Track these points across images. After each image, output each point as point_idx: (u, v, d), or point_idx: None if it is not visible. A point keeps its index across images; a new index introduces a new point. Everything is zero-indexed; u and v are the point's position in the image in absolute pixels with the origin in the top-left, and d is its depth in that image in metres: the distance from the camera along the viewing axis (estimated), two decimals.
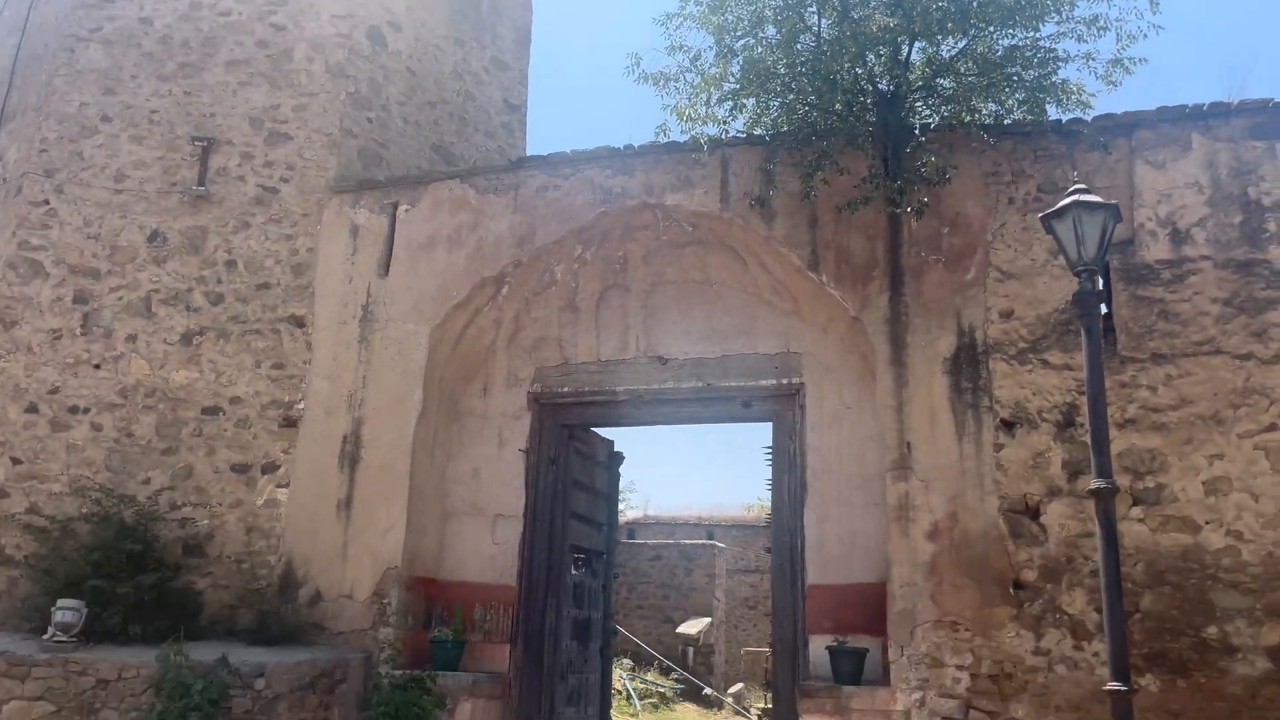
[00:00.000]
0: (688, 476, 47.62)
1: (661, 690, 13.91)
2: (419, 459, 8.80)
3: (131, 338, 9.49)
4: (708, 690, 14.70)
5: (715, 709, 14.15)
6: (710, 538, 18.63)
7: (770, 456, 8.94)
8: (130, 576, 8.22)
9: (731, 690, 15.01)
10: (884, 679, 7.40)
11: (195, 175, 9.80)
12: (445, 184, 9.35)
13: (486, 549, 9.02)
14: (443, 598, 8.89)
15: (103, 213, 9.78)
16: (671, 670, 15.18)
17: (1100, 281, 6.37)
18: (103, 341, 9.50)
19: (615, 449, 10.31)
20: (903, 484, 7.48)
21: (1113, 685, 5.09)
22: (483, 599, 8.84)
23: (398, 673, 7.65)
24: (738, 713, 14.06)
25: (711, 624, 16.12)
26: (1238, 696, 6.36)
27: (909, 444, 7.55)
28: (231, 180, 9.81)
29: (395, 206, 9.41)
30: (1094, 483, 5.38)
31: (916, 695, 7.01)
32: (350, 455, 8.85)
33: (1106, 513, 5.30)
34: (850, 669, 7.33)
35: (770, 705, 14.17)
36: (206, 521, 8.98)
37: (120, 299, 9.59)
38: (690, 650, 15.32)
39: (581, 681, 9.30)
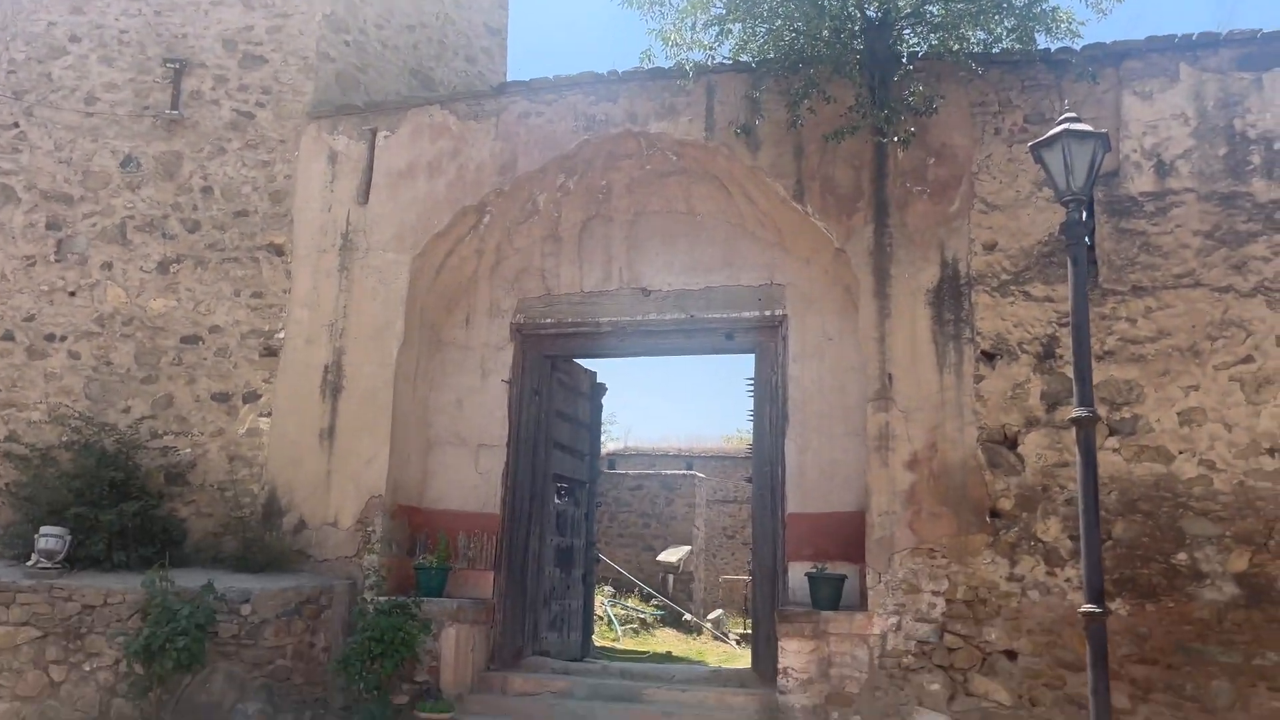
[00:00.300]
0: (668, 408, 47.91)
1: (642, 616, 14.19)
2: (401, 389, 8.80)
3: (107, 265, 9.37)
4: (688, 616, 14.98)
5: (695, 634, 14.45)
6: (690, 469, 18.85)
7: (752, 388, 9.00)
8: (113, 504, 8.23)
9: (710, 616, 15.31)
10: (861, 604, 7.56)
11: (168, 99, 9.57)
12: (425, 110, 9.18)
13: (470, 478, 9.07)
14: (427, 526, 8.97)
15: (74, 136, 9.57)
16: (652, 597, 15.46)
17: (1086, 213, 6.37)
18: (78, 269, 9.38)
19: (598, 380, 10.33)
20: (883, 414, 7.55)
21: (1087, 608, 5.22)
22: (467, 527, 8.92)
23: (383, 599, 7.74)
24: (716, 638, 14.37)
25: (691, 552, 16.38)
26: (1204, 621, 6.54)
27: (890, 375, 7.60)
28: (205, 104, 9.60)
29: (374, 133, 9.24)
30: (1075, 411, 5.44)
31: (893, 619, 7.17)
32: (332, 385, 8.83)
33: (1087, 441, 5.37)
34: (828, 595, 7.48)
35: (749, 630, 14.51)
36: (189, 450, 8.97)
37: (94, 225, 9.44)
38: (670, 578, 15.60)
39: (564, 607, 9.45)
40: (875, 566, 7.30)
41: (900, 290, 7.72)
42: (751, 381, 9.04)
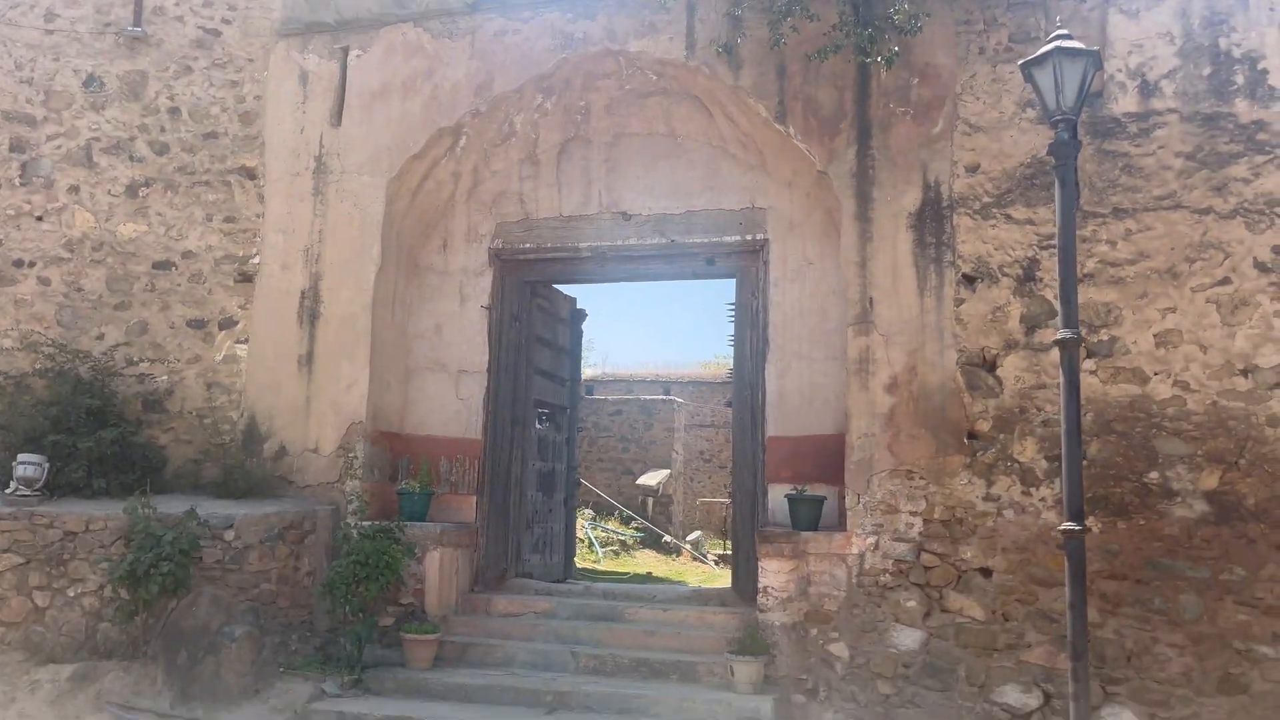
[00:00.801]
0: (646, 334, 47.97)
1: (622, 539, 14.39)
2: (380, 315, 8.72)
3: (74, 189, 9.15)
4: (667, 538, 15.20)
5: (674, 556, 14.69)
6: (667, 394, 18.94)
7: (733, 313, 9.00)
8: (90, 431, 8.18)
9: (689, 538, 15.55)
10: (840, 525, 7.68)
11: (130, 15, 9.26)
12: (398, 28, 8.93)
13: (451, 404, 9.07)
14: (408, 452, 8.98)
15: (34, 55, 9.27)
16: (632, 520, 15.66)
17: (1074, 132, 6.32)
18: (44, 192, 9.16)
19: (577, 306, 10.28)
20: (864, 338, 7.58)
21: (1067, 525, 5.33)
22: (448, 452, 8.94)
23: (366, 523, 7.78)
24: (696, 558, 14.61)
25: (670, 476, 16.56)
26: (1174, 537, 6.70)
27: (871, 299, 7.60)
28: (169, 20, 9.29)
29: (346, 52, 9.00)
30: (1059, 333, 5.49)
31: (871, 539, 7.29)
32: (310, 310, 8.73)
33: (1070, 362, 5.42)
34: (808, 516, 7.59)
35: (728, 551, 14.72)
36: (165, 377, 8.89)
37: (59, 148, 9.20)
38: (650, 501, 15.79)
39: (546, 530, 9.55)
40: (854, 488, 7.40)
41: (882, 213, 7.68)
42: (732, 307, 9.03)
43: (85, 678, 7.05)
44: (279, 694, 7.18)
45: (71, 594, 7.51)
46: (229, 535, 7.66)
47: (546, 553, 9.53)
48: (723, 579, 11.39)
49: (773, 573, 7.44)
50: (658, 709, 6.82)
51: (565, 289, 10.04)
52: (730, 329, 9.05)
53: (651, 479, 16.02)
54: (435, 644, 7.61)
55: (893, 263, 7.62)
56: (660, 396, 17.96)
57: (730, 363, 9.58)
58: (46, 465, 7.96)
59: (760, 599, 7.44)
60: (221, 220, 9.08)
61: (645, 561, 13.63)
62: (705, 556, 14.69)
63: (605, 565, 12.81)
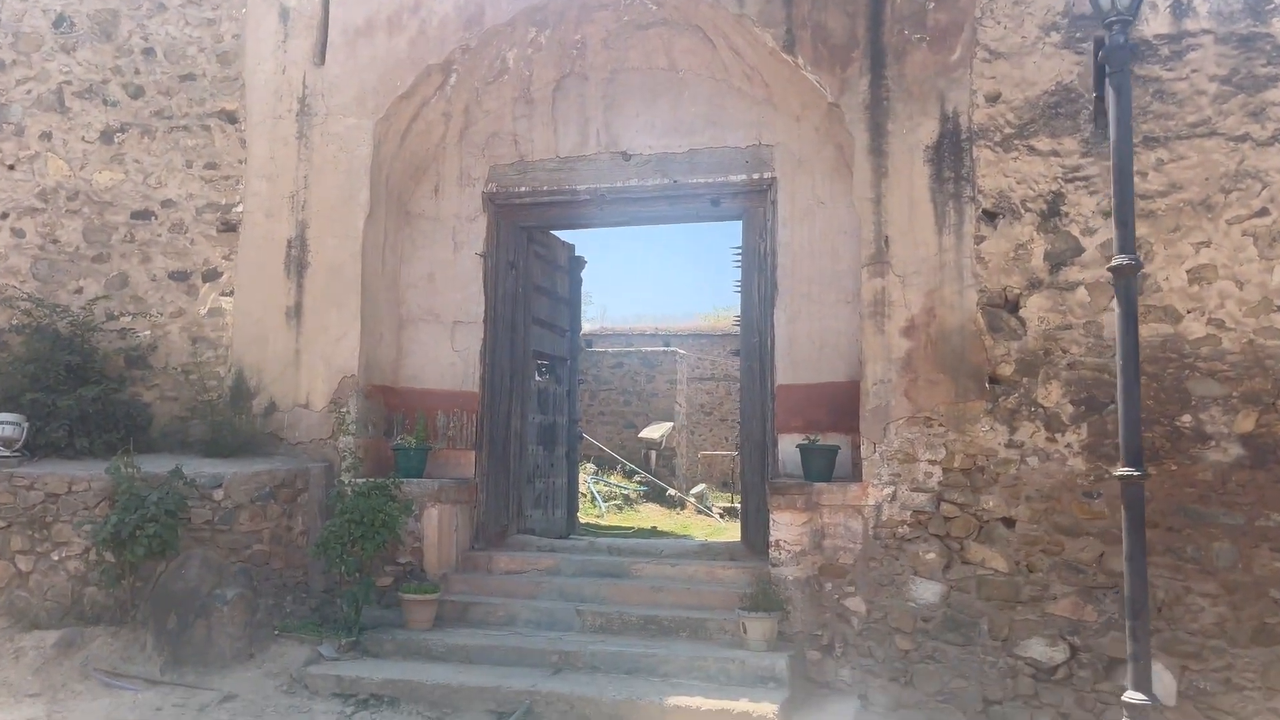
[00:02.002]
0: (643, 287, 47.48)
1: (625, 493, 14.12)
2: (370, 264, 8.33)
3: (46, 135, 8.73)
4: (671, 491, 14.93)
5: (678, 509, 14.42)
6: (667, 347, 18.57)
7: (740, 257, 8.62)
8: (71, 389, 7.84)
9: (693, 491, 15.28)
10: (854, 476, 7.39)
11: None
12: None
13: (446, 356, 8.71)
14: (403, 406, 8.65)
15: None
16: (635, 474, 15.38)
17: (1099, 57, 5.92)
18: (15, 140, 8.74)
19: (576, 253, 9.89)
20: (879, 279, 7.20)
21: (1124, 470, 5.02)
22: (445, 406, 8.61)
23: (361, 480, 7.46)
24: (700, 512, 14.36)
25: (673, 428, 16.25)
26: (1207, 483, 6.38)
27: (886, 238, 7.22)
28: None
29: None
30: (1116, 258, 5.13)
31: (888, 490, 6.98)
32: (297, 260, 8.34)
33: (1127, 290, 5.05)
34: (821, 466, 7.27)
35: (732, 504, 14.47)
36: (148, 332, 8.53)
37: (29, 92, 8.76)
38: (653, 454, 15.49)
39: (549, 485, 9.25)
40: (870, 436, 7.07)
41: (897, 147, 7.27)
42: (739, 250, 8.66)
43: (71, 644, 6.77)
44: (273, 657, 6.92)
45: (55, 558, 7.22)
46: (218, 495, 7.35)
47: (549, 508, 9.24)
48: (730, 533, 11.13)
49: (785, 525, 7.13)
50: (667, 668, 6.56)
51: (563, 235, 9.64)
52: (736, 275, 8.71)
53: (654, 432, 15.71)
54: (435, 604, 7.34)
55: (909, 199, 7.22)
56: (662, 348, 17.57)
57: (734, 312, 9.24)
58: (25, 425, 7.63)
59: (772, 553, 7.15)
60: (202, 167, 8.66)
61: (649, 516, 13.37)
62: (710, 510, 14.43)
63: (608, 520, 12.54)
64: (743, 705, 5.97)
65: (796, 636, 6.98)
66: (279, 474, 7.61)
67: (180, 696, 6.37)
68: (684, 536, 10.93)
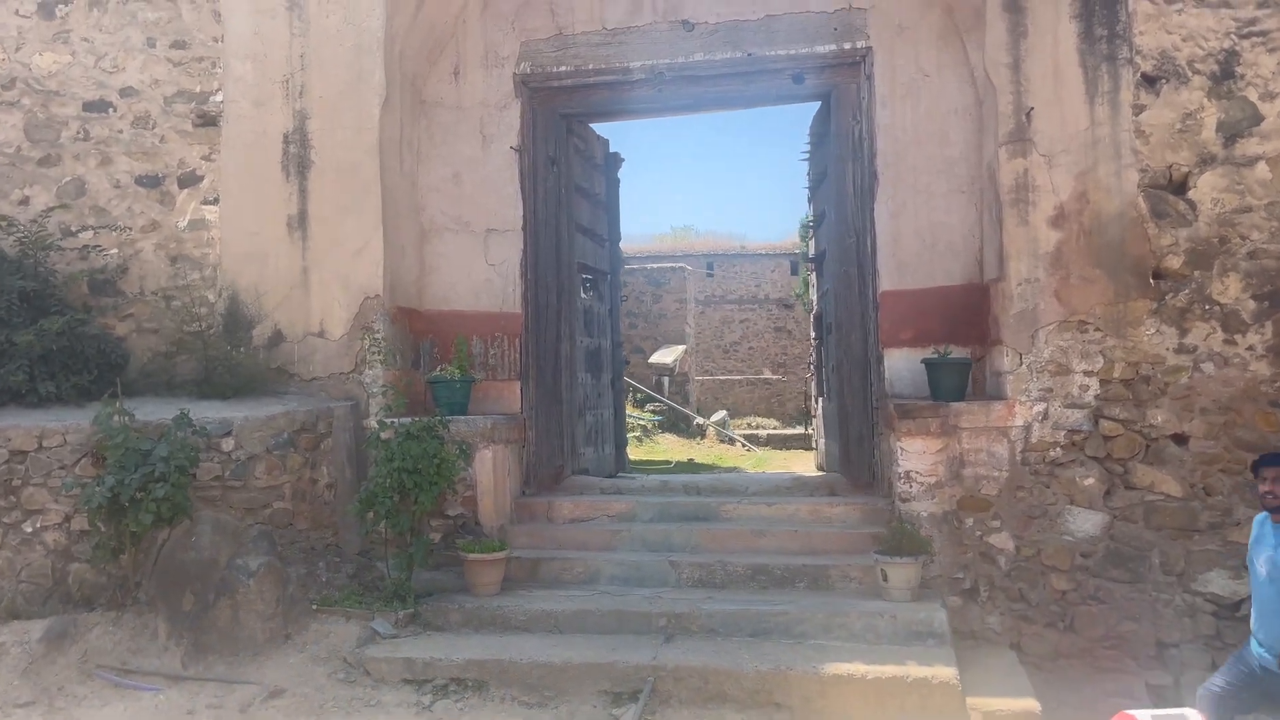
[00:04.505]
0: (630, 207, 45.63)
1: (642, 423, 12.93)
2: (388, 161, 6.92)
3: None
4: (698, 420, 13.79)
5: (697, 439, 13.32)
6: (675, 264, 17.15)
7: (809, 148, 7.41)
8: (28, 322, 6.35)
9: (714, 418, 14.17)
10: (975, 394, 6.38)
11: None
12: None
13: (480, 271, 7.38)
14: (431, 331, 7.33)
15: None
16: (648, 401, 14.18)
17: None
18: None
19: (610, 149, 8.54)
20: (1020, 159, 6.08)
21: None
22: (481, 331, 7.31)
23: (407, 420, 6.15)
24: (722, 440, 13.27)
25: (686, 352, 15.06)
26: None
27: (1029, 110, 6.07)
28: None
29: None
30: None
31: (1038, 407, 5.96)
32: (297, 159, 6.88)
33: None
34: (953, 384, 6.21)
35: (762, 432, 13.42)
36: (116, 250, 7.02)
37: None
38: (666, 380, 14.29)
39: (598, 419, 8.06)
40: (1016, 346, 6.02)
41: (1040, 0, 6.09)
42: (811, 141, 7.44)
43: (64, 636, 5.42)
44: (317, 638, 5.67)
45: (29, 529, 5.83)
46: (228, 444, 6.01)
47: (598, 444, 8.06)
48: (777, 462, 10.08)
49: (916, 454, 6.08)
50: (802, 627, 5.50)
51: (598, 129, 8.28)
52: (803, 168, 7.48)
53: (666, 356, 14.47)
54: (503, 563, 6.14)
55: (1054, 63, 6.07)
56: (669, 265, 16.21)
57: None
58: None
59: (901, 486, 6.10)
60: (168, 46, 7.08)
61: (671, 447, 12.25)
62: (733, 438, 13.37)
63: (632, 455, 11.41)
64: (915, 670, 4.94)
65: (934, 581, 5.99)
66: (298, 416, 6.27)
67: (214, 694, 5.11)
68: (733, 468, 9.86)
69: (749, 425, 13.99)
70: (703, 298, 18.29)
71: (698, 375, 16.19)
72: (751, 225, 63.27)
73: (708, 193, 49.76)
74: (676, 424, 13.63)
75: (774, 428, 15.44)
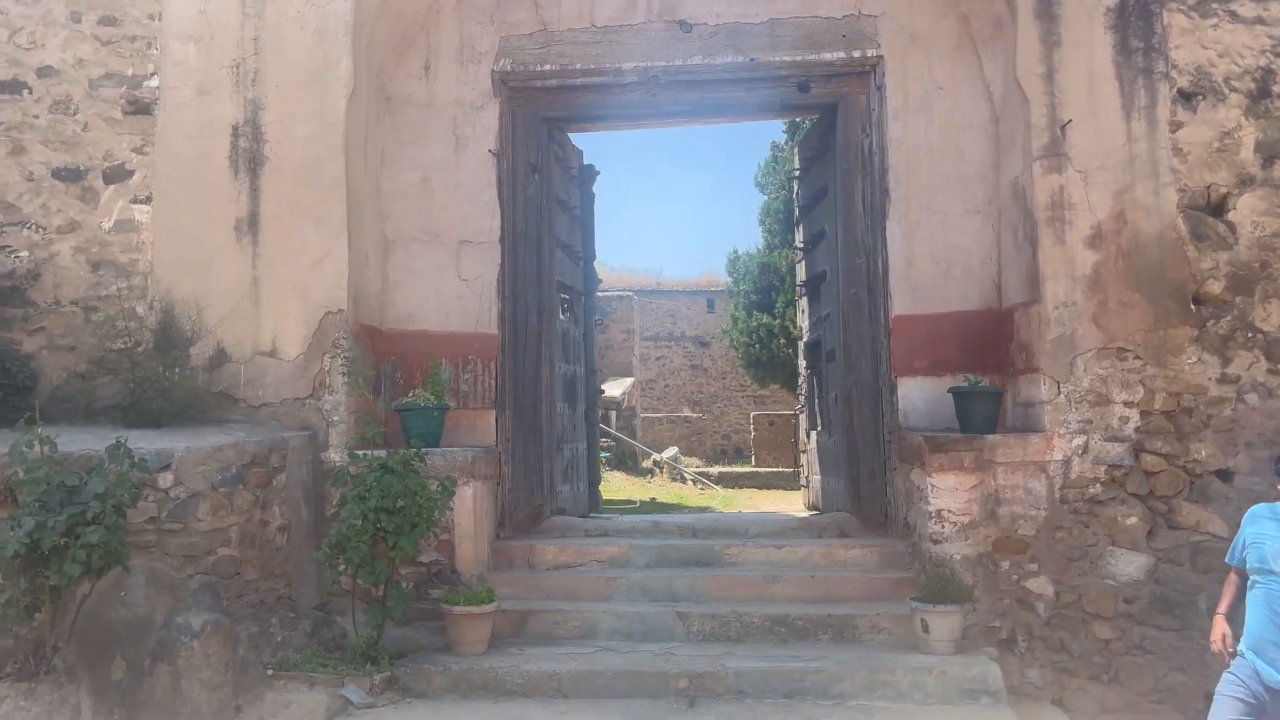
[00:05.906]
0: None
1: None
2: (353, 161, 6.13)
3: None
4: (656, 456, 13.07)
5: (647, 477, 12.60)
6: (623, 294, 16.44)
7: (803, 166, 6.94)
8: None
9: (665, 455, 13.47)
10: (999, 426, 5.93)
11: None
12: None
13: (451, 287, 6.63)
14: (393, 354, 6.54)
15: None
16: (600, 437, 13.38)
17: None
18: None
19: (585, 161, 7.91)
20: (1055, 175, 5.70)
21: None
22: (451, 353, 6.54)
23: (380, 453, 5.32)
24: (674, 479, 12.59)
25: (633, 385, 14.37)
26: None
27: (1064, 124, 5.70)
28: None
29: None
30: None
31: (1078, 440, 5.53)
32: (248, 154, 6.03)
33: None
34: (985, 414, 5.75)
35: (711, 470, 12.81)
36: (26, 254, 6.03)
37: None
38: (614, 414, 13.57)
39: (574, 453, 7.33)
40: (1054, 374, 5.58)
41: (1073, 9, 5.76)
42: (807, 156, 6.97)
43: None
44: (275, 710, 4.78)
45: None
46: (165, 480, 5.09)
47: (573, 480, 7.33)
48: (742, 501, 9.49)
49: (948, 491, 5.57)
50: (841, 687, 4.88)
51: (575, 139, 7.65)
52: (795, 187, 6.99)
53: (614, 389, 13.76)
54: (491, 617, 5.35)
55: (1089, 75, 5.73)
56: (616, 293, 15.53)
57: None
58: None
59: (932, 526, 5.57)
60: (95, 22, 6.18)
61: (624, 485, 11.53)
62: (685, 476, 12.69)
63: None
64: None
65: (969, 630, 5.45)
66: (248, 448, 5.39)
67: None
68: (705, 508, 9.22)
69: (698, 464, 13.37)
70: (648, 334, 17.75)
71: (642, 409, 15.55)
72: (667, 261, 63.34)
73: (621, 227, 49.48)
74: (624, 460, 12.92)
75: (698, 465, 14.94)
